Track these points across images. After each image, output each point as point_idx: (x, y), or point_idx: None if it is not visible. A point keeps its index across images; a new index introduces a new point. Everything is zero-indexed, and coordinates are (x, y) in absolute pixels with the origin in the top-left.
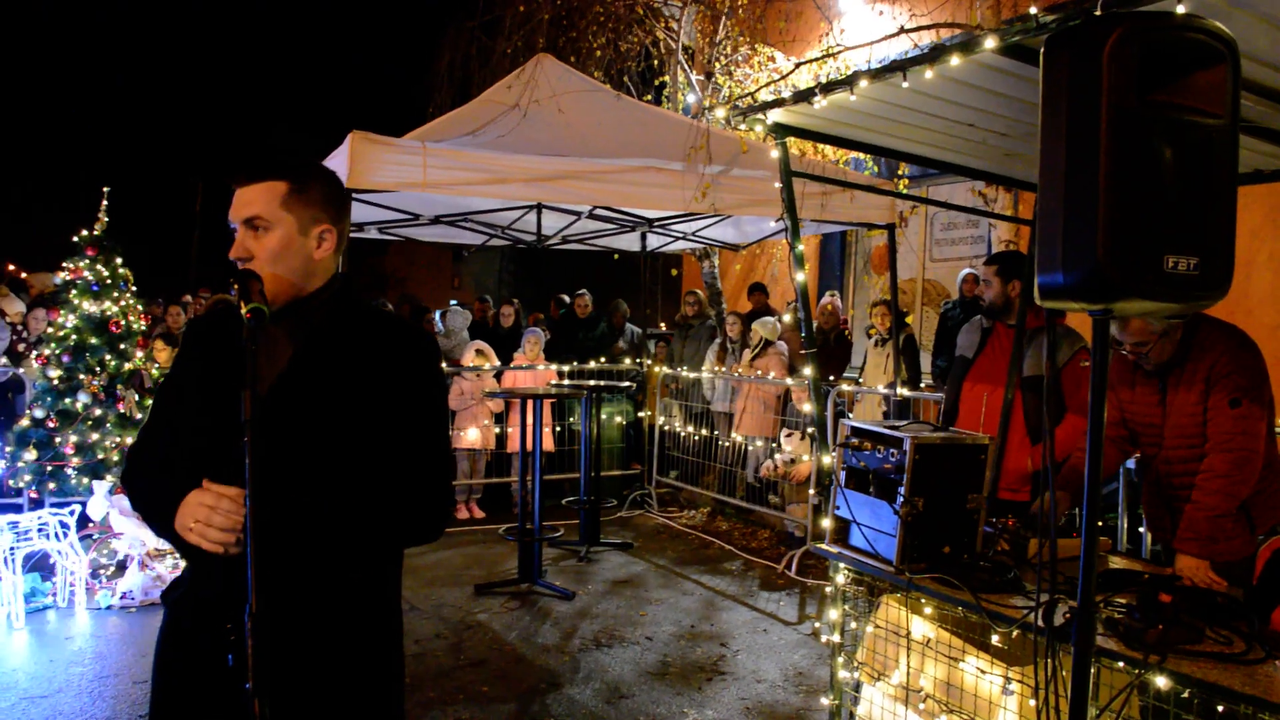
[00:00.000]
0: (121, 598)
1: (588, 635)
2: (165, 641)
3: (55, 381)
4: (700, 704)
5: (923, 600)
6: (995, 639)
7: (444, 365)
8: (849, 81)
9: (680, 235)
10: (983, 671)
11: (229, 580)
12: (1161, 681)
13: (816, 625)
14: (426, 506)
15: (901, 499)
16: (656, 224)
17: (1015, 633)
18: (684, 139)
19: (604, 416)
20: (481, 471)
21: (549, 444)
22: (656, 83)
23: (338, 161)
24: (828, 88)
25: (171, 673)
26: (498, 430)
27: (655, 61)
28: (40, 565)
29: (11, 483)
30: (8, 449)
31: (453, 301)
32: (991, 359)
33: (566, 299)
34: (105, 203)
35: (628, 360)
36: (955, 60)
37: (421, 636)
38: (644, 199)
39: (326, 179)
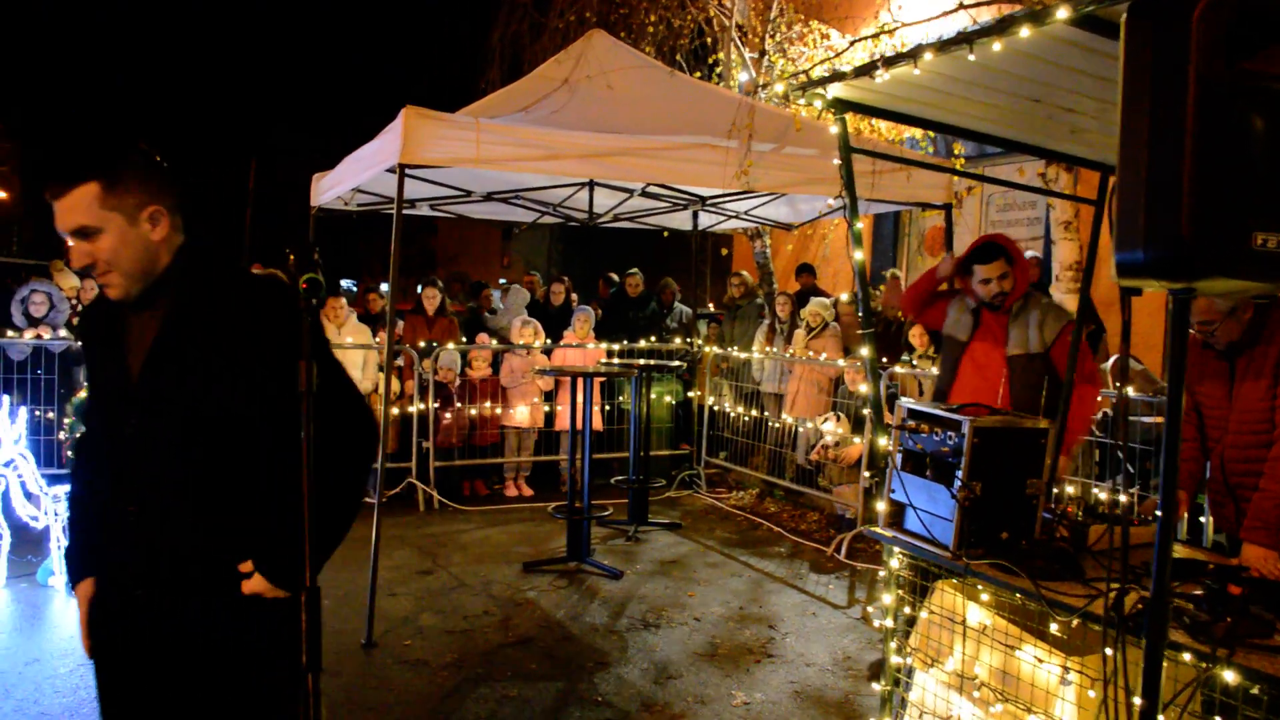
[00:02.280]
0: None
1: (635, 615)
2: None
3: None
4: (749, 686)
5: (979, 586)
6: (1054, 628)
7: (494, 342)
8: (913, 54)
9: (733, 214)
10: (1040, 661)
11: (139, 551)
12: (1230, 676)
13: (867, 609)
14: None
15: (959, 483)
16: (709, 202)
17: (1075, 622)
18: (735, 116)
19: (653, 396)
20: (530, 449)
21: (598, 423)
22: (709, 60)
23: (391, 137)
24: (891, 61)
25: (97, 637)
26: (547, 408)
27: (708, 39)
28: None
29: (70, 454)
30: (66, 420)
31: (502, 280)
32: (987, 340)
33: (615, 278)
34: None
35: (677, 340)
36: (1024, 32)
37: (470, 613)
38: (697, 176)
39: (135, 160)
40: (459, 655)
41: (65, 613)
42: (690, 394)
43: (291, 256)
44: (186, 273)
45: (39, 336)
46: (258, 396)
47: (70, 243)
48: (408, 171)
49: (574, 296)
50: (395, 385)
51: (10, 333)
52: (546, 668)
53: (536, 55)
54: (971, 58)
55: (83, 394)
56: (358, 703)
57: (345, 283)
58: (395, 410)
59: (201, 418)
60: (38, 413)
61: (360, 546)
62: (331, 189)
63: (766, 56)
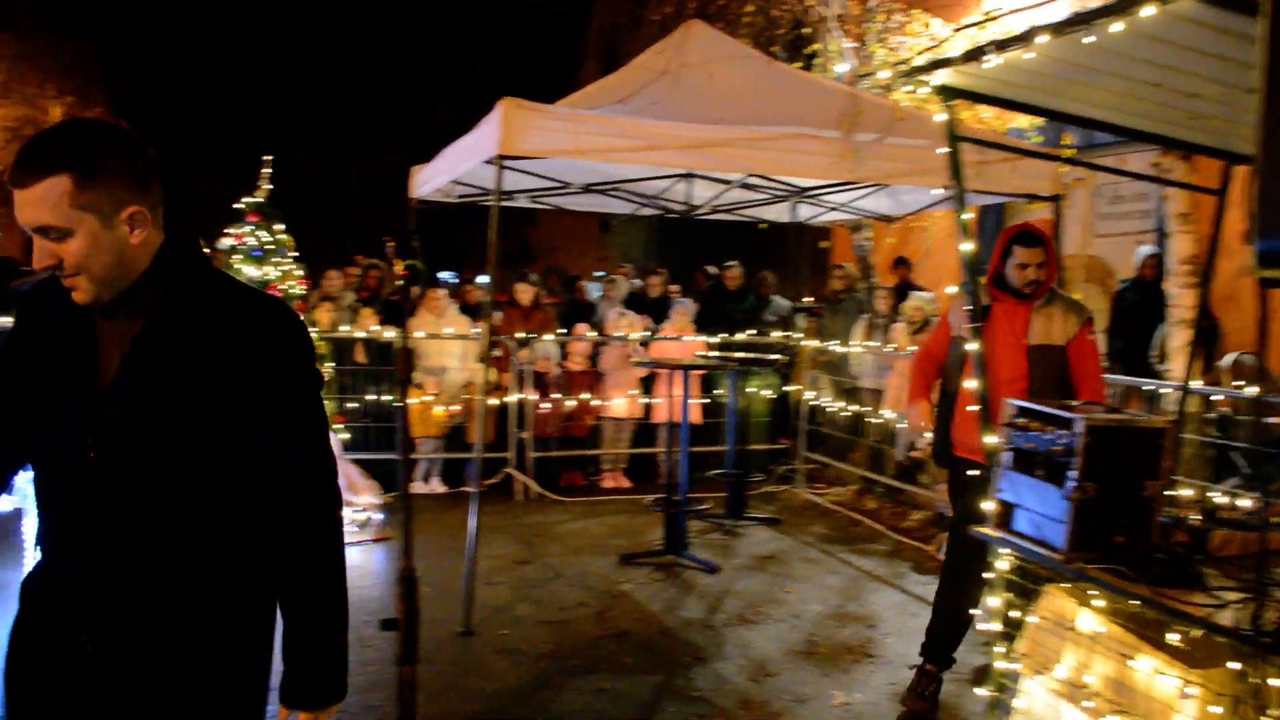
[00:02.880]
0: None
1: (732, 610)
2: (17, 630)
3: None
4: (847, 686)
5: (1092, 592)
6: (1175, 638)
7: (591, 332)
8: (1025, 37)
9: (832, 206)
10: (1159, 672)
11: (84, 572)
12: None
13: (971, 612)
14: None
15: (1072, 483)
16: (808, 194)
17: (1197, 633)
18: (837, 106)
19: (751, 390)
20: (627, 441)
21: (696, 416)
22: (806, 51)
23: (488, 129)
24: (1003, 44)
25: (21, 660)
26: (644, 400)
27: (806, 29)
28: None
29: None
30: None
31: (598, 272)
32: (1002, 335)
33: (713, 270)
34: (267, 171)
35: (775, 333)
36: (1148, 12)
37: (566, 604)
38: (798, 167)
39: (120, 151)
40: (555, 646)
41: None
42: (788, 388)
43: (391, 244)
44: (169, 275)
45: None
46: (244, 411)
47: (34, 240)
48: (506, 163)
49: (672, 288)
50: (492, 375)
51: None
52: (642, 661)
53: (634, 47)
54: (1089, 40)
55: None
56: (455, 690)
57: (445, 275)
58: (493, 400)
59: (190, 423)
60: None
61: (458, 535)
62: (430, 181)
63: (865, 46)
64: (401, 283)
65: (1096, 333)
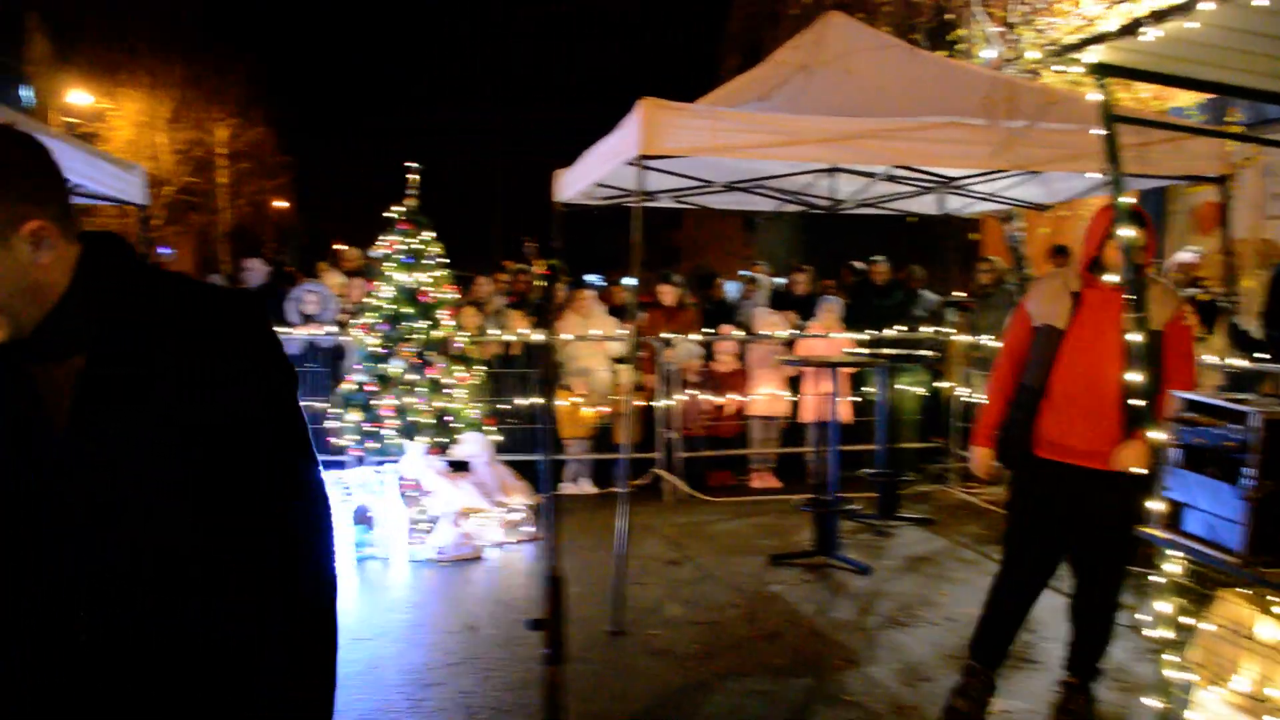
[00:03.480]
0: (437, 552)
1: (884, 613)
2: None
3: (374, 348)
4: (1007, 693)
5: (1273, 598)
6: None
7: (737, 331)
8: (1187, 6)
9: (982, 196)
10: None
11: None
12: None
13: (1135, 617)
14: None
15: (1249, 481)
16: (956, 184)
17: None
18: (984, 92)
19: (901, 387)
20: (776, 440)
21: (845, 414)
22: (948, 38)
23: (628, 130)
24: (1161, 15)
25: None
26: (792, 399)
27: (949, 15)
28: (364, 519)
29: (337, 441)
30: (334, 410)
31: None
32: (1095, 323)
33: (859, 266)
34: (415, 179)
35: (925, 329)
36: None
37: (716, 604)
38: (945, 157)
39: (10, 151)
40: (706, 646)
41: (344, 586)
42: (939, 385)
43: (531, 245)
44: (98, 293)
45: (309, 333)
46: (222, 424)
47: None
48: (647, 163)
49: (821, 284)
50: (638, 376)
51: (285, 329)
52: (793, 663)
53: (773, 41)
54: (1260, 3)
55: (348, 385)
56: (606, 690)
57: (591, 277)
58: (639, 401)
59: (164, 461)
60: (309, 403)
61: (607, 536)
62: (573, 184)
63: (1012, 29)
64: (543, 283)
65: (1190, 318)
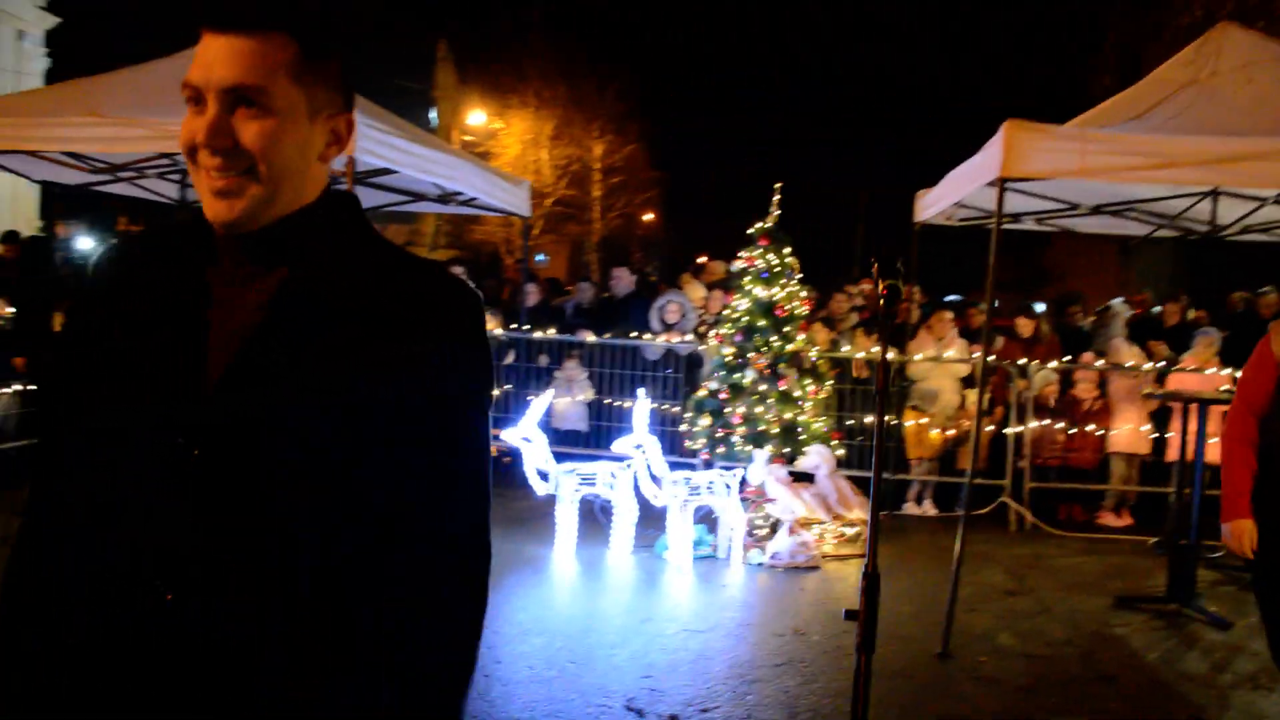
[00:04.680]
0: (771, 557)
1: (1243, 672)
2: None
3: (728, 358)
4: None
5: None
6: None
7: (1097, 361)
8: None
9: None
10: None
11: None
12: None
13: None
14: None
15: None
16: None
17: None
18: None
19: None
20: (1135, 477)
21: (1215, 456)
22: None
23: (991, 151)
24: None
25: None
26: (1156, 435)
27: None
28: (706, 519)
29: (688, 444)
30: (687, 414)
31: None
32: None
33: (1245, 296)
34: (778, 198)
35: None
36: None
37: (1051, 640)
38: None
39: (339, 47)
40: (1034, 680)
41: (676, 581)
42: None
43: (876, 265)
44: (336, 227)
45: (669, 340)
46: (401, 398)
47: (207, 106)
48: (1008, 185)
49: (1196, 314)
50: (985, 402)
51: (646, 336)
52: (1128, 710)
53: (1157, 56)
54: None
55: (702, 392)
56: (925, 709)
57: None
58: (990, 427)
59: (343, 411)
60: (664, 406)
61: (945, 559)
62: (934, 204)
63: None
64: (882, 302)
65: None
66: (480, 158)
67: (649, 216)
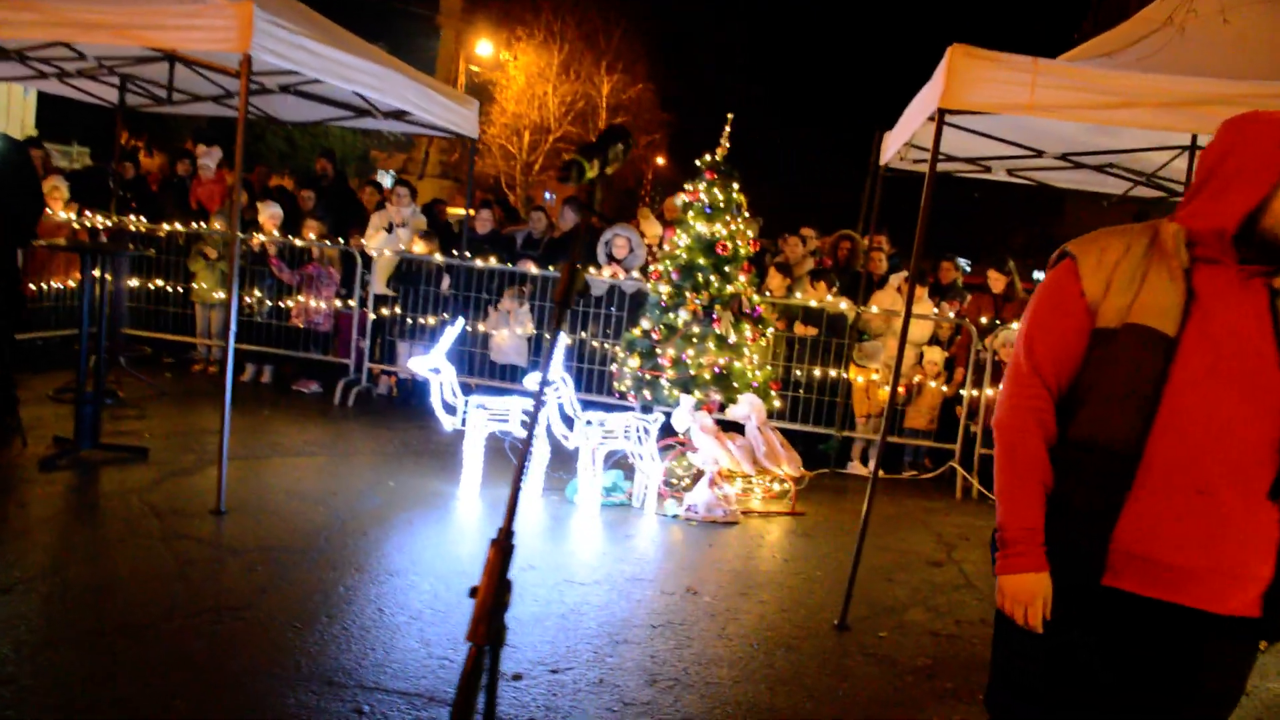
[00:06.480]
0: (687, 509)
1: None
2: None
3: (664, 297)
4: None
5: None
6: None
7: None
8: None
9: None
10: None
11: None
12: None
13: None
14: None
15: None
16: None
17: None
18: None
19: None
20: None
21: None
22: None
23: (934, 80)
24: None
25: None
26: None
27: None
28: (624, 464)
29: (615, 385)
30: (619, 354)
31: None
32: (1230, 325)
33: None
34: (727, 129)
35: None
36: None
37: (965, 618)
38: None
39: None
40: (933, 661)
41: (578, 529)
42: None
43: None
44: None
45: (615, 276)
46: None
47: None
48: (947, 120)
49: None
50: (937, 356)
51: (591, 270)
52: None
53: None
54: None
55: (635, 332)
56: (806, 683)
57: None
58: (943, 389)
59: None
60: (605, 344)
61: (879, 522)
62: (892, 146)
63: None
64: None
65: None
66: (484, 89)
67: (661, 160)
